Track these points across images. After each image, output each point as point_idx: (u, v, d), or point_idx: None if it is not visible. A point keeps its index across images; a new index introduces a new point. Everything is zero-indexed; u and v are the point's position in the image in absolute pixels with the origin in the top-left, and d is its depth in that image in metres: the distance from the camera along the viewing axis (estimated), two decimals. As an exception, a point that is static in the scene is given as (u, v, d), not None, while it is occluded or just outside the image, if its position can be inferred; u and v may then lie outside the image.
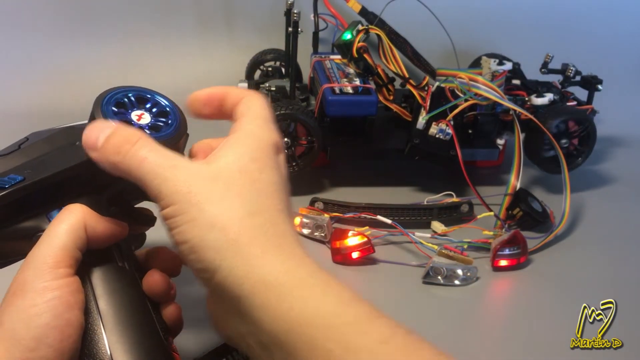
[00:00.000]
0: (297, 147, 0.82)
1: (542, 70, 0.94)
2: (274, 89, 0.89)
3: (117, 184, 0.45)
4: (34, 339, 0.37)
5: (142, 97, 0.46)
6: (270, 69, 0.99)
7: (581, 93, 0.94)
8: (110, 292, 0.43)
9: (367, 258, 0.72)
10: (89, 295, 0.42)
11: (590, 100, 0.93)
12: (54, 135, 0.48)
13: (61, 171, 0.44)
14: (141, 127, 0.44)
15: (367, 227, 0.75)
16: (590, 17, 1.17)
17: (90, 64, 1.11)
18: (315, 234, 0.75)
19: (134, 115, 0.44)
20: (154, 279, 0.45)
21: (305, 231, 0.76)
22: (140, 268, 0.46)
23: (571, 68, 0.92)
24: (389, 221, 0.75)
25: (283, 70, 0.99)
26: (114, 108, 0.44)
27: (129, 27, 1.12)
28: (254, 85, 0.96)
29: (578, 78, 0.93)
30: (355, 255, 0.71)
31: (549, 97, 0.88)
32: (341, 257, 0.72)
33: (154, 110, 0.46)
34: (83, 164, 0.44)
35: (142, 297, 0.44)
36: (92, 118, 0.43)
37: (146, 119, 0.45)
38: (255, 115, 0.42)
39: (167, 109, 0.46)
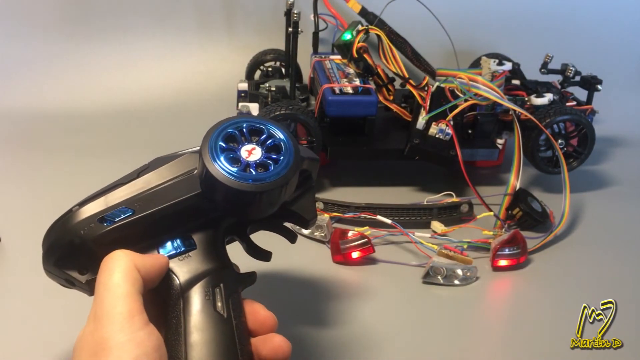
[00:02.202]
0: (297, 147, 0.82)
1: (542, 70, 0.94)
2: (274, 89, 0.89)
3: (230, 216, 0.45)
4: None
5: (256, 129, 0.45)
6: (270, 69, 0.99)
7: (581, 93, 0.94)
8: (202, 342, 0.41)
9: (367, 258, 0.72)
10: (179, 343, 0.40)
11: (589, 100, 0.93)
12: (174, 164, 0.46)
13: (171, 204, 0.44)
14: (249, 165, 0.43)
15: (367, 227, 0.75)
16: (590, 17, 1.17)
17: (90, 63, 1.11)
18: (315, 234, 0.75)
19: (244, 150, 0.43)
20: (279, 345, 0.43)
21: (305, 231, 0.76)
22: (242, 310, 0.44)
23: (571, 68, 0.92)
24: (389, 221, 0.75)
25: (283, 70, 0.99)
26: (222, 143, 0.43)
27: (129, 27, 1.12)
28: (254, 85, 0.96)
29: (578, 78, 0.93)
30: (355, 255, 0.71)
31: (548, 97, 0.88)
32: (341, 257, 0.72)
33: (268, 142, 0.44)
34: (196, 196, 0.43)
35: (234, 348, 0.42)
36: (200, 151, 0.43)
37: (257, 154, 0.43)
38: None
39: (281, 144, 0.44)
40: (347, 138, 0.85)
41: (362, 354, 0.59)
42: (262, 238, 0.52)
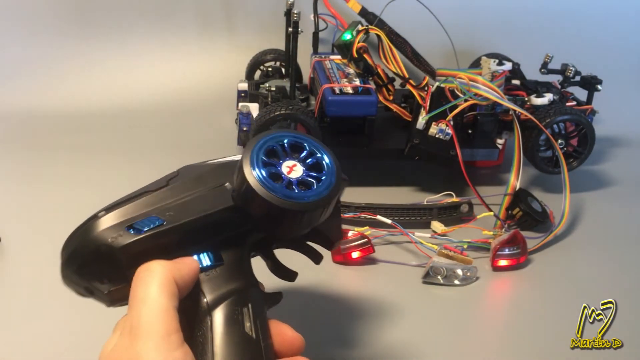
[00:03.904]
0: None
1: (542, 70, 0.94)
2: (274, 89, 0.89)
3: (260, 230, 0.44)
4: None
5: (297, 145, 0.44)
6: (270, 69, 0.99)
7: (581, 93, 0.94)
8: None
9: (367, 258, 0.72)
10: None
11: (589, 100, 0.93)
12: (204, 174, 0.45)
13: (203, 216, 0.42)
14: (291, 183, 0.42)
15: (367, 227, 0.75)
16: (590, 17, 1.17)
17: (90, 63, 1.11)
18: (315, 234, 0.75)
19: (285, 166, 0.42)
20: None
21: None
22: (269, 331, 0.43)
23: (571, 68, 0.92)
24: (389, 221, 0.75)
25: (283, 70, 0.99)
26: (264, 158, 0.42)
27: (129, 27, 1.12)
28: (254, 85, 0.96)
29: (577, 78, 0.93)
30: (355, 255, 0.71)
31: (548, 97, 0.88)
32: (341, 257, 0.72)
33: (309, 161, 0.43)
34: (227, 210, 0.42)
35: None
36: (240, 162, 0.41)
37: (298, 171, 0.42)
38: None
39: (323, 163, 0.43)
40: (347, 138, 0.85)
41: (362, 354, 0.59)
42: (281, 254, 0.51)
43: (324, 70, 0.89)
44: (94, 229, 0.42)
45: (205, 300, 0.41)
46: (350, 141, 0.85)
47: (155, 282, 0.38)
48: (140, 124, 1.04)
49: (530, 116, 0.82)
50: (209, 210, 0.42)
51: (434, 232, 0.78)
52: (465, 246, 0.74)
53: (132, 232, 0.41)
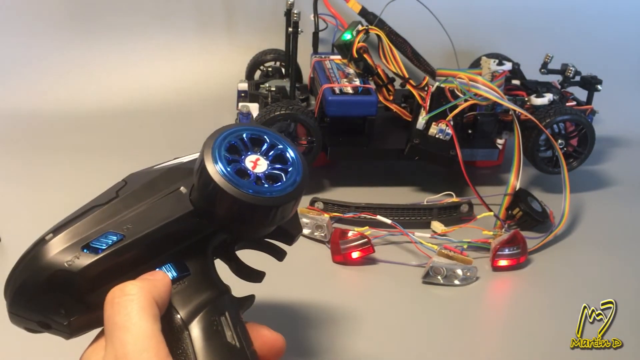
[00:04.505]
0: (297, 147, 0.82)
1: (542, 70, 0.94)
2: (274, 89, 0.89)
3: (221, 233, 0.42)
4: None
5: (257, 138, 0.41)
6: (270, 69, 0.99)
7: (581, 93, 0.94)
8: None
9: (367, 258, 0.72)
10: None
11: (589, 100, 0.93)
12: (155, 180, 0.42)
13: (165, 224, 0.39)
14: (259, 178, 0.39)
15: (367, 227, 0.75)
16: (591, 18, 1.17)
17: (90, 63, 1.11)
18: (315, 234, 0.75)
19: (249, 161, 0.40)
20: None
21: (306, 231, 0.76)
22: (249, 336, 0.40)
23: (571, 68, 0.92)
24: (389, 221, 0.75)
25: (283, 70, 0.99)
26: (226, 154, 0.39)
27: (129, 27, 1.12)
28: (254, 85, 0.96)
29: (577, 78, 0.93)
30: (355, 255, 0.71)
31: (548, 97, 0.88)
32: (341, 257, 0.72)
33: (271, 153, 0.41)
34: (188, 215, 0.40)
35: None
36: (202, 162, 0.39)
37: (262, 165, 0.40)
38: None
39: (286, 154, 0.41)
40: (347, 138, 0.85)
41: (362, 354, 0.59)
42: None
43: (324, 70, 0.89)
44: (44, 255, 0.38)
45: (178, 316, 0.38)
46: (350, 141, 0.85)
47: (135, 306, 0.35)
48: (140, 124, 1.04)
49: (530, 116, 0.82)
50: (170, 218, 0.40)
51: (434, 232, 0.78)
52: (465, 246, 0.74)
53: (90, 252, 0.38)
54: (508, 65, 0.89)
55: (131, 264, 0.38)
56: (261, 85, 0.92)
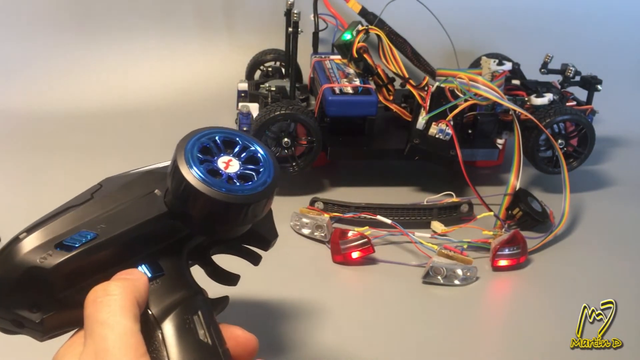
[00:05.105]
0: (297, 147, 0.82)
1: (542, 70, 0.94)
2: (274, 89, 0.89)
3: (197, 236, 0.43)
4: None
5: (229, 141, 0.42)
6: (270, 69, 0.99)
7: (581, 93, 0.94)
8: None
9: (367, 258, 0.72)
10: None
11: (589, 100, 0.93)
12: (130, 183, 0.43)
13: (139, 225, 0.40)
14: (230, 177, 0.40)
15: (367, 227, 0.75)
16: (590, 18, 1.17)
17: (90, 63, 1.11)
18: (315, 234, 0.75)
19: (221, 162, 0.41)
20: None
21: (305, 231, 0.76)
22: (222, 336, 0.40)
23: (571, 68, 0.92)
24: (389, 221, 0.75)
25: (283, 70, 0.99)
26: (199, 155, 0.40)
27: (129, 27, 1.12)
28: (254, 85, 0.96)
29: (577, 78, 0.93)
30: (355, 255, 0.71)
31: (548, 97, 0.88)
32: (341, 257, 0.72)
33: (244, 155, 0.42)
34: (162, 216, 0.41)
35: None
36: (174, 163, 0.39)
37: (234, 166, 0.41)
38: None
39: (258, 155, 0.42)
40: (347, 138, 0.85)
41: (362, 354, 0.60)
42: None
43: (324, 70, 0.89)
44: (17, 253, 0.39)
45: (151, 313, 0.39)
46: (350, 141, 0.85)
47: (118, 305, 0.36)
48: (140, 124, 1.04)
49: (530, 116, 0.82)
50: (143, 219, 0.40)
51: (434, 232, 0.78)
52: (465, 246, 0.74)
53: (63, 250, 0.38)
54: (508, 65, 0.89)
55: (105, 263, 0.39)
56: (261, 85, 0.92)
